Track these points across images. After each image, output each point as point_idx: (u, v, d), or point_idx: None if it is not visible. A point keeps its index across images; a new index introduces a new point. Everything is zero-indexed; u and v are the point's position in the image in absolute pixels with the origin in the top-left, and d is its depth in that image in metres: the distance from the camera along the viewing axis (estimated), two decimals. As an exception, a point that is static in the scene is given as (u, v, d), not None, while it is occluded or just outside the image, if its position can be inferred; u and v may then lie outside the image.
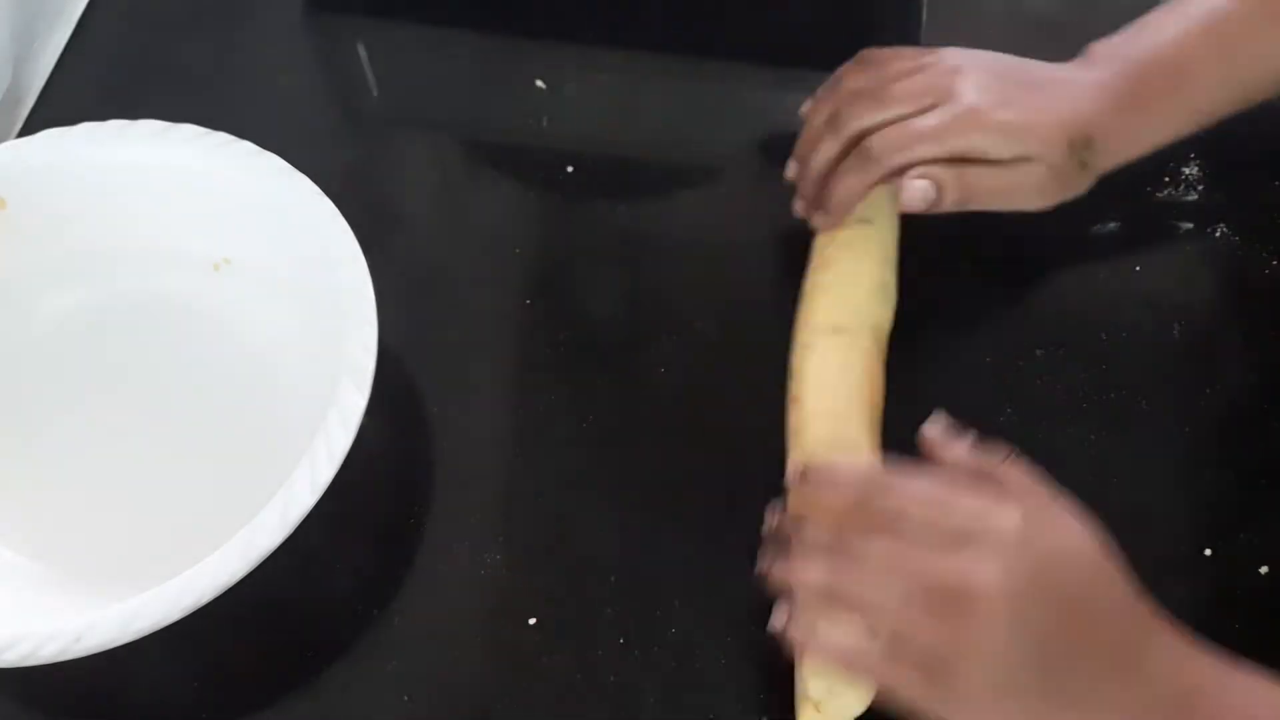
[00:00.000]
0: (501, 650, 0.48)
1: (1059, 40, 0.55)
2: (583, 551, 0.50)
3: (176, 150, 0.53)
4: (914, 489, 0.41)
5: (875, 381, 0.51)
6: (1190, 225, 0.58)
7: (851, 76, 0.53)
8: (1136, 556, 0.50)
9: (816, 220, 0.53)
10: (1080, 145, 0.50)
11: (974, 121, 0.49)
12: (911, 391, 0.53)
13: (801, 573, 0.41)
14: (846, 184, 0.51)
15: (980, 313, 0.56)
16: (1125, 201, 0.58)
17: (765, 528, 0.45)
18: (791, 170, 0.54)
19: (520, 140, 0.62)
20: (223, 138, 0.53)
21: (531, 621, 0.49)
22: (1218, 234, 0.57)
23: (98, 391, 0.54)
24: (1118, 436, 0.52)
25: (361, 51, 0.67)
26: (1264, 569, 0.49)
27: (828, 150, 0.52)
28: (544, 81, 0.64)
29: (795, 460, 0.48)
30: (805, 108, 0.55)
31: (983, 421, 0.52)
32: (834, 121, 0.52)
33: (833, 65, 0.61)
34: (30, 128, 0.63)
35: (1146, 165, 0.59)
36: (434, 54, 0.67)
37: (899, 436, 0.52)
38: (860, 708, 0.45)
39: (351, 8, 0.68)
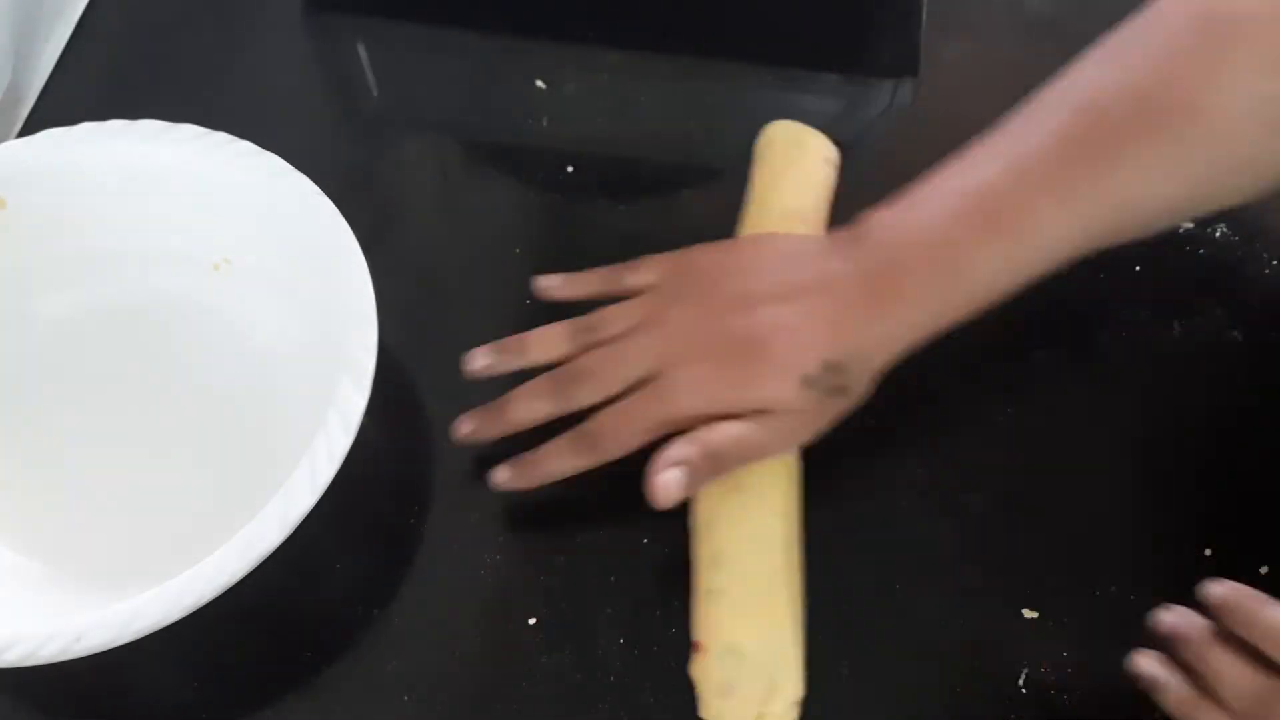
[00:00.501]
0: (501, 650, 0.48)
1: (1059, 40, 0.55)
2: (583, 551, 0.50)
3: (176, 150, 0.53)
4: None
5: (798, 578, 0.48)
6: (1190, 225, 0.58)
7: (575, 333, 0.50)
8: (1137, 556, 0.50)
9: (507, 479, 0.49)
10: (820, 378, 0.46)
11: (689, 394, 0.47)
12: (912, 392, 0.53)
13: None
14: (565, 462, 0.48)
15: (980, 313, 0.56)
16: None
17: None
18: (479, 363, 0.51)
19: (520, 140, 0.62)
20: (222, 137, 0.53)
21: (531, 621, 0.49)
22: (1218, 234, 0.57)
23: (97, 391, 0.54)
24: (1117, 436, 0.52)
25: (361, 51, 0.67)
26: (1264, 569, 0.49)
27: (541, 408, 0.49)
28: (544, 81, 0.64)
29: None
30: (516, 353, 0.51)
31: (983, 421, 0.53)
32: (556, 381, 0.49)
33: (833, 65, 0.61)
34: (30, 128, 0.63)
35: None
36: (434, 54, 0.67)
37: (898, 438, 0.52)
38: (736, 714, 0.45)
39: (351, 8, 0.68)
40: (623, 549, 0.50)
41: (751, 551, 0.47)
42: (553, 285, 0.53)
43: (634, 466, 0.52)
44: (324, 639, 0.49)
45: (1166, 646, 0.44)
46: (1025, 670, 0.47)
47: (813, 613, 0.48)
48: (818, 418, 0.48)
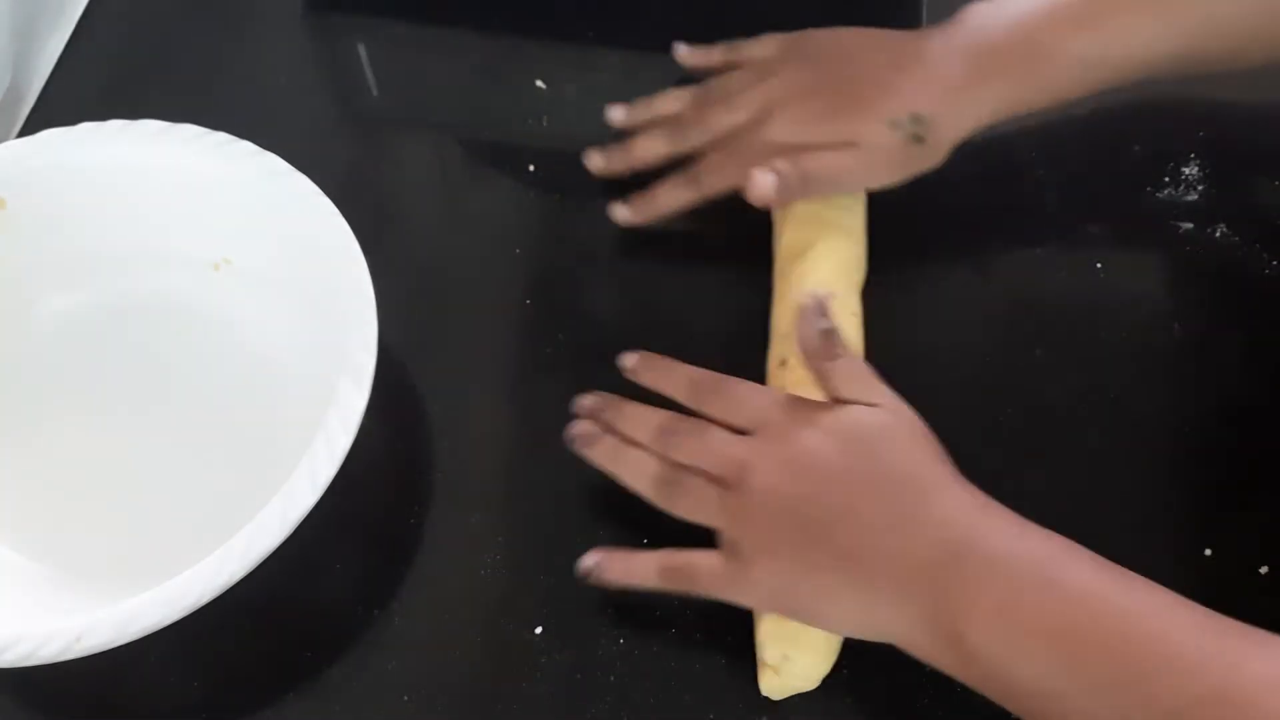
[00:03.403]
0: (501, 650, 0.48)
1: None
2: (582, 552, 0.50)
3: (177, 150, 0.53)
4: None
5: (861, 345, 0.52)
6: (1190, 225, 0.58)
7: (698, 92, 0.58)
8: (1137, 556, 0.50)
9: (628, 214, 0.57)
10: (904, 123, 0.52)
11: (785, 125, 0.53)
12: (910, 393, 0.53)
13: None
14: (674, 195, 0.56)
15: (980, 313, 0.56)
16: (1125, 201, 0.59)
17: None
18: (620, 115, 0.59)
19: (520, 140, 0.62)
20: (223, 137, 0.53)
21: (531, 621, 0.49)
22: (1218, 234, 0.57)
23: (98, 391, 0.54)
24: (1118, 436, 0.52)
25: (361, 51, 0.68)
26: (1264, 569, 0.49)
27: (659, 147, 0.57)
28: (544, 81, 0.64)
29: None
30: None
31: (983, 421, 0.53)
32: (676, 122, 0.57)
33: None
34: (30, 128, 0.63)
35: (1146, 164, 0.59)
36: (434, 54, 0.67)
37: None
38: (817, 672, 0.46)
39: (351, 8, 0.68)
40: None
41: None
42: (683, 53, 0.60)
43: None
44: (324, 639, 0.49)
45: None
46: (1025, 670, 0.47)
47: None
48: (898, 161, 0.53)
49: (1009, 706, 0.41)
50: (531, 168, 0.61)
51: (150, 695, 0.49)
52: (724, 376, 0.48)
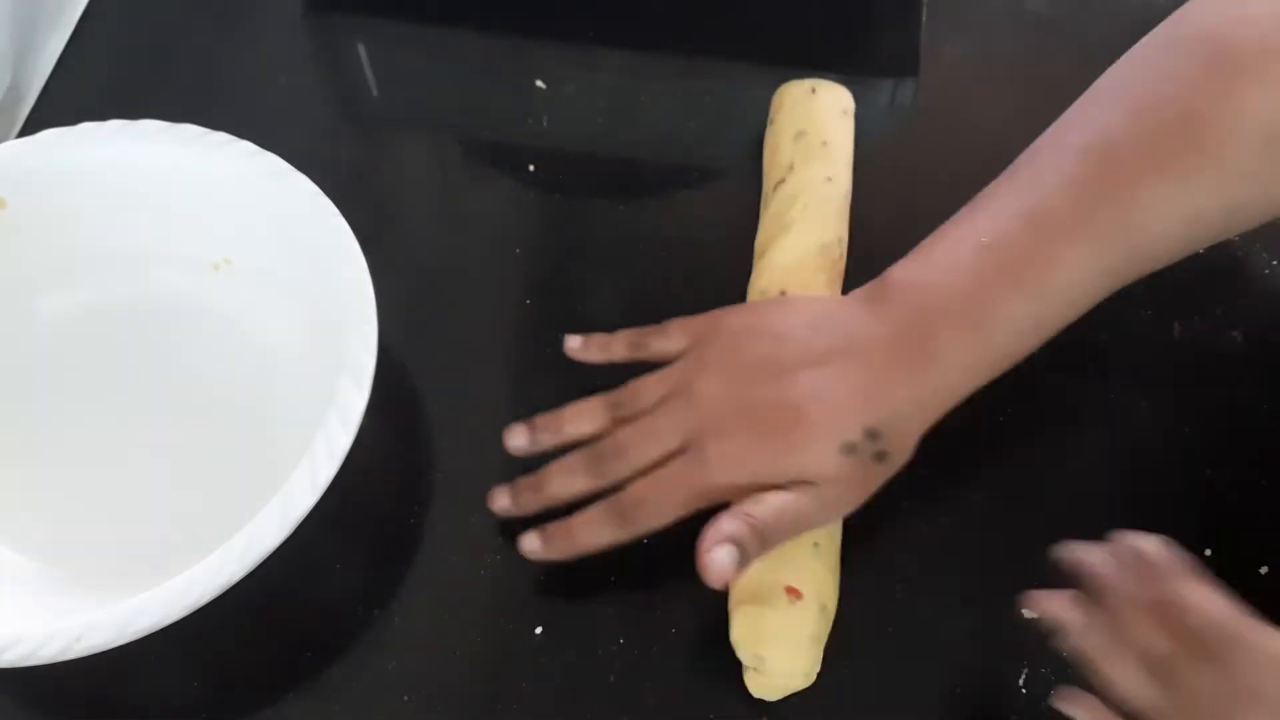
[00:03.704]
0: (501, 650, 0.48)
1: (1059, 40, 0.55)
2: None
3: (177, 150, 0.53)
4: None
5: None
6: (1190, 225, 0.58)
7: (608, 408, 0.49)
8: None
9: (538, 548, 0.48)
10: (861, 442, 0.45)
11: (725, 467, 0.45)
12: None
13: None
14: (598, 533, 0.47)
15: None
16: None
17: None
18: (517, 443, 0.50)
19: (520, 140, 0.62)
20: (223, 137, 0.53)
21: (531, 621, 0.49)
22: (1218, 234, 0.57)
23: (97, 391, 0.54)
24: (1118, 437, 0.52)
25: (361, 51, 0.67)
26: (1264, 569, 0.49)
27: (576, 484, 0.48)
28: (544, 81, 0.64)
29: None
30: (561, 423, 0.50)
31: (982, 421, 0.53)
32: (590, 457, 0.48)
33: (832, 65, 0.61)
34: (30, 127, 0.63)
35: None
36: (434, 54, 0.67)
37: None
38: (799, 668, 0.46)
39: (351, 8, 0.68)
40: (623, 549, 0.50)
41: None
42: (576, 347, 0.52)
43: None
44: (324, 639, 0.49)
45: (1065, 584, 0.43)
46: (1025, 670, 0.47)
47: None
48: (862, 485, 0.46)
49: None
50: (531, 168, 0.61)
51: (150, 695, 0.49)
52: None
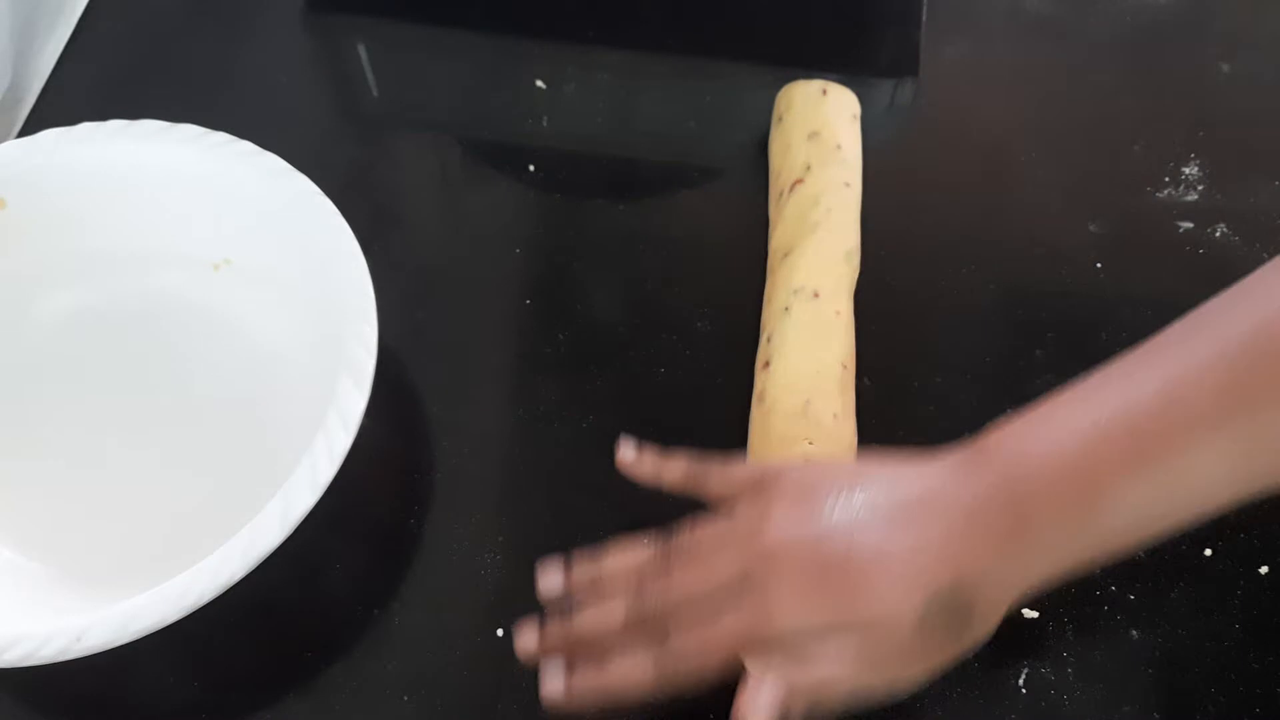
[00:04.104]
0: (501, 650, 0.48)
1: (1059, 40, 0.55)
2: (583, 550, 0.50)
3: (177, 150, 0.53)
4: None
5: (848, 343, 0.52)
6: (1190, 225, 0.58)
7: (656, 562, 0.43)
8: (1136, 556, 0.50)
9: (554, 687, 0.43)
10: (943, 600, 0.39)
11: (784, 618, 0.40)
12: (912, 393, 0.53)
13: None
14: (635, 678, 0.42)
15: (980, 313, 0.56)
16: (1125, 201, 0.59)
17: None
18: (554, 584, 0.45)
19: (520, 140, 0.62)
20: (223, 137, 0.53)
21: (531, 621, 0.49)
22: (1218, 234, 0.57)
23: (98, 391, 0.54)
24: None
25: (361, 51, 0.68)
26: (1264, 569, 0.49)
27: (615, 615, 0.42)
28: (544, 81, 0.64)
29: (756, 440, 0.50)
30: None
31: (983, 421, 0.53)
32: (647, 632, 0.42)
33: (832, 65, 0.61)
34: (30, 127, 0.63)
35: (1147, 165, 0.59)
36: (434, 54, 0.67)
37: (898, 438, 0.52)
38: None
39: (351, 8, 0.68)
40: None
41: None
42: (628, 461, 0.48)
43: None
44: (324, 639, 0.49)
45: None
46: (1025, 670, 0.47)
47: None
48: (929, 656, 0.40)
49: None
50: (531, 168, 0.61)
51: (150, 695, 0.49)
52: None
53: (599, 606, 0.43)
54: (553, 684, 0.43)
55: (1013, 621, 0.47)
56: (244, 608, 0.45)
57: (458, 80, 0.66)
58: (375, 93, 0.66)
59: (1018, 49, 0.64)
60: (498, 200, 0.61)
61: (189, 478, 0.52)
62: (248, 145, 0.53)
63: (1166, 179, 0.59)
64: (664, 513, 0.49)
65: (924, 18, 0.65)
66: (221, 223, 0.54)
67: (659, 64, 0.62)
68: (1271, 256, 0.57)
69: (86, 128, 0.54)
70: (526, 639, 0.44)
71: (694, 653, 0.41)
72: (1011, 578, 0.40)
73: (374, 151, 0.64)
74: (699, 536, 0.43)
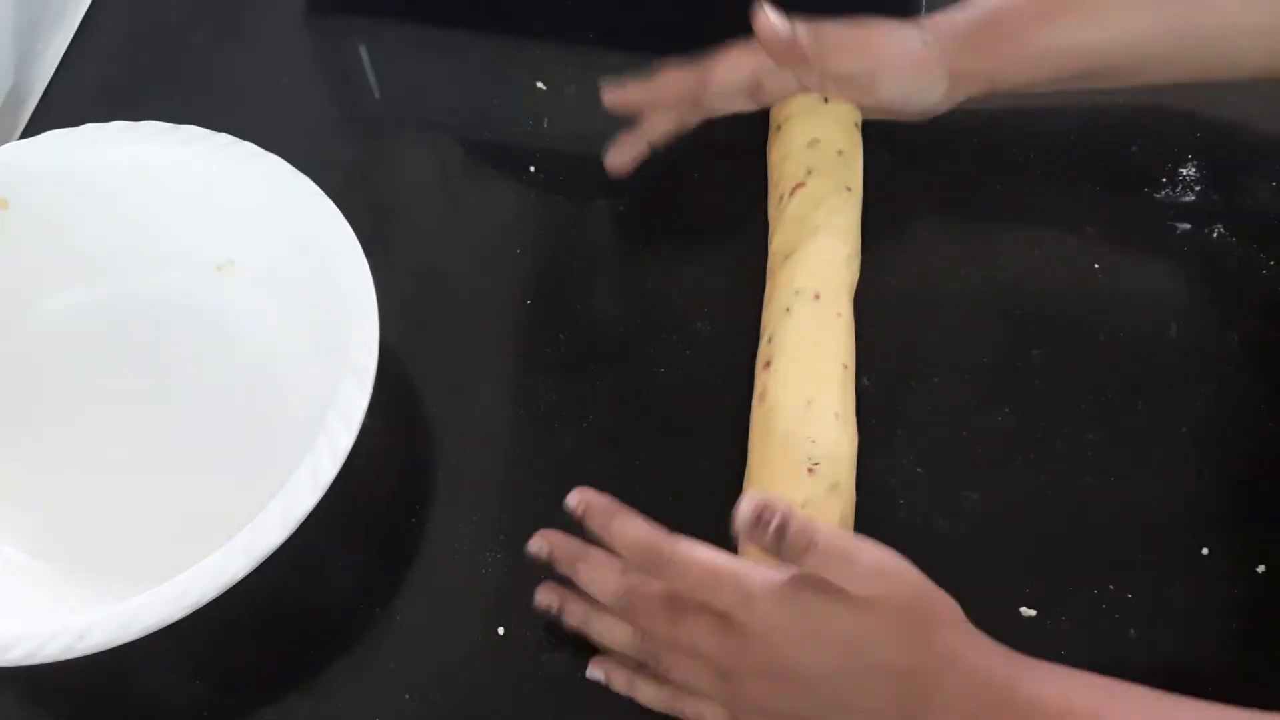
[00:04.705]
0: (502, 649, 0.49)
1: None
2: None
3: (179, 151, 0.54)
4: (690, 565, 0.43)
5: (849, 344, 0.52)
6: (1188, 226, 0.58)
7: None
8: (1135, 556, 0.50)
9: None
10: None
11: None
12: (912, 393, 0.53)
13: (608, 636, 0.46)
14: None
15: (979, 312, 0.56)
16: (1123, 201, 0.59)
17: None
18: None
19: (521, 141, 0.63)
20: (225, 139, 0.53)
21: (531, 620, 0.49)
22: (1215, 234, 0.57)
23: (101, 391, 0.54)
24: (1116, 436, 0.53)
25: (363, 53, 0.68)
26: (1262, 568, 0.49)
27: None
28: (544, 82, 0.64)
29: (757, 438, 0.50)
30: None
31: (982, 421, 0.53)
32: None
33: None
34: (33, 129, 0.63)
35: (1144, 166, 0.59)
36: (435, 55, 0.67)
37: (898, 437, 0.52)
38: None
39: (353, 9, 0.69)
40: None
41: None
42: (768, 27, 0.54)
43: (634, 466, 0.52)
44: (325, 638, 0.49)
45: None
46: (1024, 669, 0.47)
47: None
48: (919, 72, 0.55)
49: None
50: (532, 168, 0.61)
51: (153, 694, 0.49)
52: (673, 543, 0.43)
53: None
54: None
55: (1012, 621, 0.48)
56: (246, 607, 0.45)
57: (459, 81, 0.66)
58: (377, 94, 0.67)
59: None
60: (498, 201, 0.61)
61: (191, 477, 0.52)
62: (250, 146, 0.53)
63: (1164, 180, 0.59)
64: (666, 513, 0.49)
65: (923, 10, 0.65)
66: (224, 223, 0.54)
67: (659, 65, 0.62)
68: (1268, 257, 0.57)
69: (89, 129, 0.54)
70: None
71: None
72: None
73: (375, 152, 0.64)
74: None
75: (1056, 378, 0.54)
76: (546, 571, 0.50)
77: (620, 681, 0.47)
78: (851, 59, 0.55)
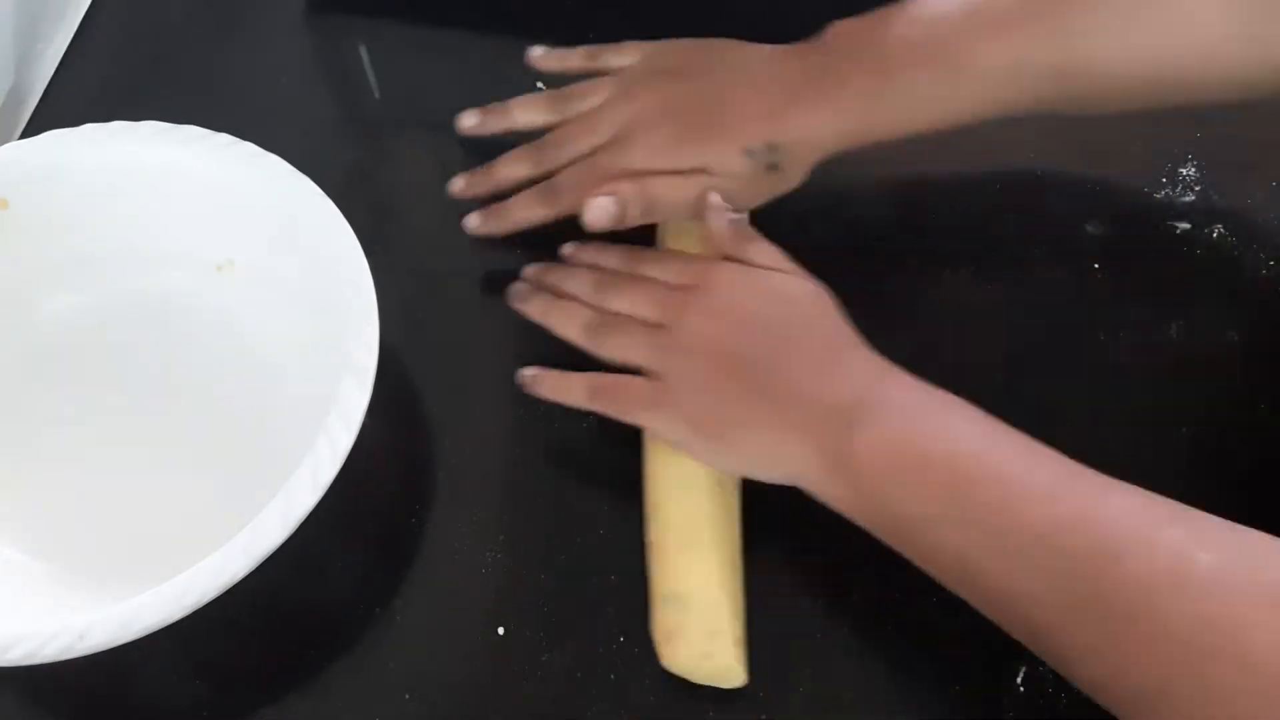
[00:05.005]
0: (502, 649, 0.49)
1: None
2: (583, 551, 0.51)
3: (179, 151, 0.54)
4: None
5: (731, 519, 0.49)
6: (1188, 226, 0.58)
7: (555, 103, 0.58)
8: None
9: (478, 223, 0.57)
10: (759, 151, 0.52)
11: (642, 149, 0.53)
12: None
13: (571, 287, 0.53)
14: (529, 211, 0.56)
15: (978, 313, 0.56)
16: (1123, 201, 0.59)
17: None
18: (472, 122, 0.59)
19: (520, 140, 0.62)
20: (225, 139, 0.53)
21: (531, 620, 0.49)
22: (1215, 234, 0.57)
23: (100, 392, 0.54)
24: (1116, 436, 0.53)
25: (363, 52, 0.68)
26: (1261, 568, 0.49)
27: (521, 170, 0.57)
28: (544, 82, 0.64)
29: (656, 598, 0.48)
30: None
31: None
32: (534, 147, 0.57)
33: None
34: (33, 128, 0.63)
35: (1144, 165, 0.59)
36: (435, 55, 0.67)
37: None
38: (721, 655, 0.46)
39: (353, 8, 0.69)
40: (623, 548, 0.50)
41: (677, 500, 0.48)
42: (538, 55, 0.60)
43: (634, 466, 0.52)
44: (326, 637, 0.49)
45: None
46: (1024, 669, 0.47)
47: (812, 611, 0.49)
48: (751, 189, 0.53)
49: (892, 542, 0.45)
50: (532, 168, 0.61)
51: (153, 694, 0.49)
52: (639, 263, 0.52)
53: (507, 163, 0.57)
54: (472, 220, 0.57)
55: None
56: (246, 607, 0.45)
57: (459, 81, 0.66)
58: (377, 94, 0.67)
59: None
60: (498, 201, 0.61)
61: (191, 477, 0.52)
62: (250, 146, 0.53)
63: (1164, 180, 0.59)
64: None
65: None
66: (223, 223, 0.54)
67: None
68: (1268, 257, 0.57)
69: (89, 129, 0.54)
70: (457, 183, 0.58)
71: (571, 186, 0.54)
72: (819, 136, 0.52)
73: (375, 152, 0.64)
74: (588, 89, 0.56)
75: (1056, 378, 0.54)
76: (546, 572, 0.50)
77: (535, 308, 0.53)
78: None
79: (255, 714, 0.48)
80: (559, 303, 0.53)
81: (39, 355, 0.55)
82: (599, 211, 0.52)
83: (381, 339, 0.48)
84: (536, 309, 0.53)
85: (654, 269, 0.52)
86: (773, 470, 0.47)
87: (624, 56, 0.57)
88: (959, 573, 0.43)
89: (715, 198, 0.51)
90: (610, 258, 0.54)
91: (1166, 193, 0.59)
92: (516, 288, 0.54)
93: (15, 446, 0.53)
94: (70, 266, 0.55)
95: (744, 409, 0.47)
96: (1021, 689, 0.47)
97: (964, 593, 0.43)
